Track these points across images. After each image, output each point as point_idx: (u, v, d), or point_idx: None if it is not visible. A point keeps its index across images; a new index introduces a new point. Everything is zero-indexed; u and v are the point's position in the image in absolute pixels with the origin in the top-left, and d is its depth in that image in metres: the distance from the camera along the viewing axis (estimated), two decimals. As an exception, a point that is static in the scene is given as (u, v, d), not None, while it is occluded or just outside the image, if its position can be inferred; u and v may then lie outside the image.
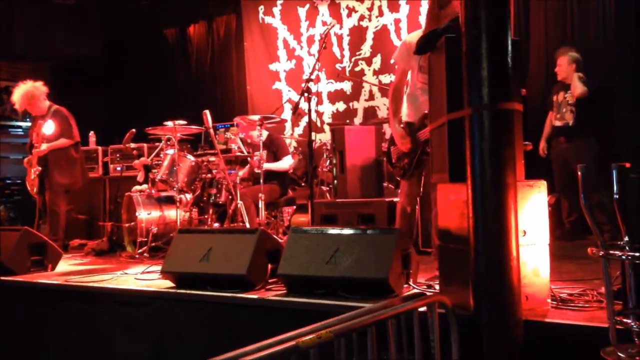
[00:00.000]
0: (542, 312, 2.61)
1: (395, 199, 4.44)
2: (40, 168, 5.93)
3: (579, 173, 2.16)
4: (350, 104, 7.60)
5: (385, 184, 5.75)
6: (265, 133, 5.71)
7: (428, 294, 2.54)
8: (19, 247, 4.55)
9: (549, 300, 2.71)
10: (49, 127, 5.94)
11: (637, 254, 2.00)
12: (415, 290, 3.15)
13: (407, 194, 3.83)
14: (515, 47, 2.49)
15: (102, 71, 9.45)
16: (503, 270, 2.37)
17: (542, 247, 2.68)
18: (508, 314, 2.38)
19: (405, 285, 3.19)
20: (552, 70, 5.93)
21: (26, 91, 5.97)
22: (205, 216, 5.69)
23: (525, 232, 2.62)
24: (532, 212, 2.67)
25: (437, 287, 3.16)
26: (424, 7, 6.92)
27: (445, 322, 2.40)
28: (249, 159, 5.70)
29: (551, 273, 2.73)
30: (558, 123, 5.56)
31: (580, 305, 2.73)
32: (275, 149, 5.83)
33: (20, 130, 9.22)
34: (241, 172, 5.76)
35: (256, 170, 5.31)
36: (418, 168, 3.75)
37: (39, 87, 6.04)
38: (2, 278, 4.36)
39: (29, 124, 7.63)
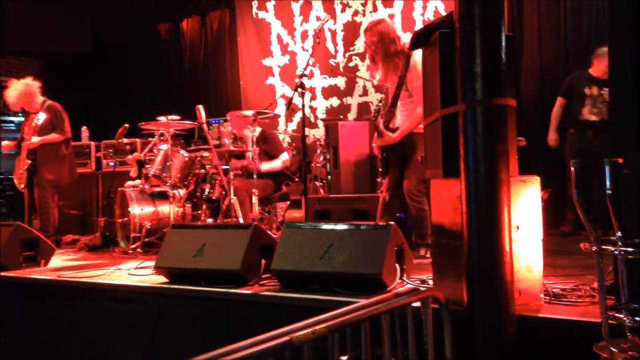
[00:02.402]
0: (535, 307, 2.62)
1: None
2: (29, 162, 5.91)
3: (572, 168, 2.16)
4: (344, 100, 7.59)
5: (378, 180, 5.74)
6: (258, 129, 5.68)
7: (421, 289, 2.54)
8: (11, 243, 4.53)
9: (542, 296, 2.72)
10: (41, 120, 5.91)
11: (629, 249, 2.00)
12: (409, 286, 3.15)
13: (386, 186, 4.28)
14: (509, 43, 2.49)
15: (95, 66, 9.40)
16: (496, 265, 2.38)
17: (536, 242, 2.69)
18: (501, 309, 2.39)
19: (399, 281, 3.19)
20: (546, 66, 5.95)
21: (23, 90, 5.95)
22: (199, 211, 5.68)
23: (518, 228, 2.63)
24: (525, 207, 2.68)
25: (430, 282, 3.17)
26: (418, 3, 6.93)
27: (439, 317, 2.41)
28: (246, 158, 5.65)
29: (544, 268, 2.73)
30: (594, 118, 5.49)
31: (573, 300, 2.74)
32: (267, 147, 5.76)
33: (13, 125, 9.15)
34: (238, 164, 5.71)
35: (252, 168, 5.28)
36: (387, 165, 4.26)
37: (31, 83, 6.02)
38: (-6, 274, 4.34)
39: (21, 118, 7.59)
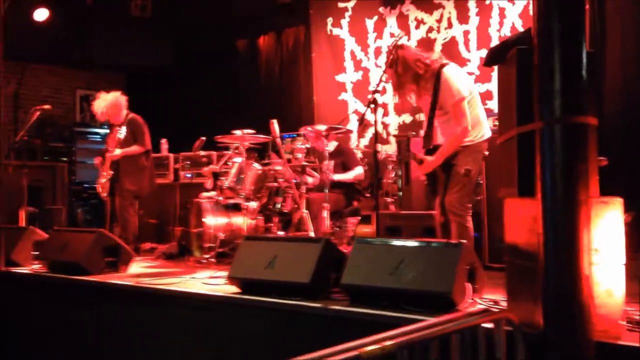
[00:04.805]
0: (615, 334, 2.51)
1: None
2: (111, 172, 6.20)
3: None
4: (417, 116, 7.52)
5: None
6: (334, 143, 5.73)
7: (494, 310, 2.48)
8: (94, 249, 4.76)
9: (623, 322, 2.60)
10: (124, 133, 6.20)
11: None
12: (480, 306, 3.09)
13: (438, 207, 4.15)
14: (590, 59, 2.42)
15: (175, 80, 9.78)
16: (574, 289, 2.30)
17: (617, 266, 2.58)
18: (578, 334, 2.30)
19: (471, 301, 3.13)
20: (630, 82, 5.68)
21: (111, 101, 6.26)
22: (271, 224, 5.77)
23: (598, 250, 2.52)
24: (606, 230, 2.57)
25: (503, 303, 3.09)
26: (494, 19, 6.81)
27: (511, 339, 2.35)
28: (318, 171, 5.72)
29: (626, 294, 2.62)
30: None
31: (656, 328, 2.61)
32: (343, 160, 5.82)
33: (98, 136, 9.63)
34: (310, 180, 5.78)
35: (324, 179, 5.34)
36: (434, 187, 4.19)
37: (120, 96, 6.34)
38: (78, 277, 4.57)
39: (106, 130, 7.98)
